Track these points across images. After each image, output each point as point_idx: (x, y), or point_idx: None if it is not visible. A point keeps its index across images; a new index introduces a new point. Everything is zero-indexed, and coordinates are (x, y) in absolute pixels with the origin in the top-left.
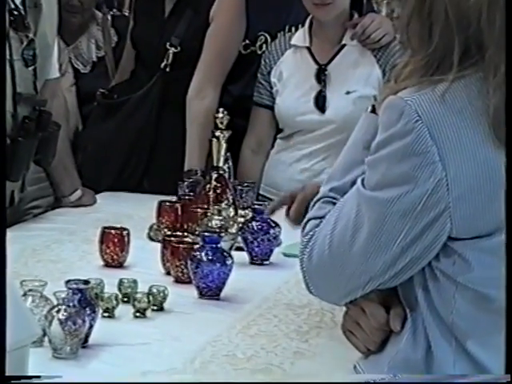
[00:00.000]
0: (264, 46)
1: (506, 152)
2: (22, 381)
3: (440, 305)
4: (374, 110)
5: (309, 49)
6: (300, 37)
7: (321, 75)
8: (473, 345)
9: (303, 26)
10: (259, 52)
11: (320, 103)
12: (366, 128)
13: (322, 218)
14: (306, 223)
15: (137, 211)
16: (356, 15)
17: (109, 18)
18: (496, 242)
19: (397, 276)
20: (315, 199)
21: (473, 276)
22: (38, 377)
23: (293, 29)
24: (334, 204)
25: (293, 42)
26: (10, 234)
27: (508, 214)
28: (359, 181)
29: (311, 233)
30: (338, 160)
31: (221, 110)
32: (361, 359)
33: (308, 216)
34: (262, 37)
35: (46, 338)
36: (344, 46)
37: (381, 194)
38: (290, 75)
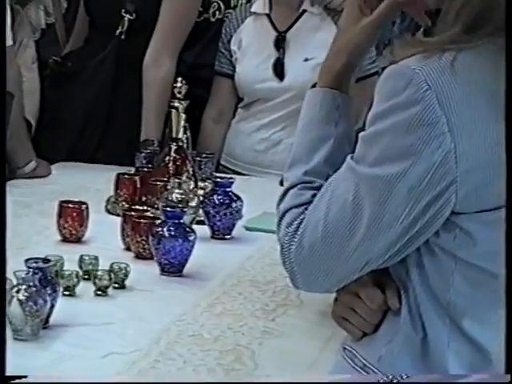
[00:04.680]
0: (217, 13)
1: (505, 151)
2: (23, 380)
3: (436, 283)
4: (314, 86)
5: (268, 16)
6: (260, 4)
7: (280, 42)
8: (469, 323)
9: None
10: (212, 19)
11: (278, 70)
12: (319, 103)
13: (304, 204)
14: (283, 214)
15: (93, 183)
16: None
17: None
18: (500, 215)
19: (395, 256)
20: (287, 187)
21: (475, 251)
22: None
23: None
24: (313, 188)
25: (253, 9)
26: None
27: (508, 212)
28: (349, 159)
29: (296, 221)
30: (297, 142)
31: (179, 79)
32: (351, 341)
33: (284, 206)
34: (215, 4)
35: (6, 319)
36: (304, 12)
37: (383, 171)
38: (249, 43)
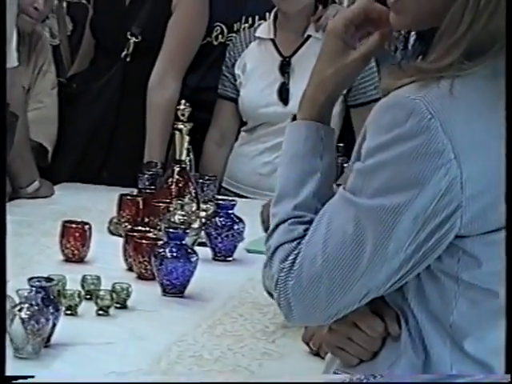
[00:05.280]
0: (220, 36)
1: (505, 153)
2: (23, 381)
3: (438, 307)
4: (294, 118)
5: (273, 41)
6: (265, 29)
7: (284, 67)
8: (472, 343)
9: (260, 16)
10: (215, 43)
11: (283, 95)
12: (303, 137)
13: (297, 239)
14: (275, 250)
15: (95, 204)
16: (320, 7)
17: (64, 5)
18: (505, 235)
19: (396, 283)
20: (276, 222)
21: (479, 272)
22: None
23: (249, 20)
24: (304, 223)
25: (257, 34)
26: None
27: (508, 217)
28: (342, 190)
29: (291, 257)
30: (283, 176)
31: (182, 101)
32: (344, 367)
33: (276, 242)
34: (218, 27)
35: (7, 337)
36: (309, 37)
37: (387, 201)
38: (254, 67)
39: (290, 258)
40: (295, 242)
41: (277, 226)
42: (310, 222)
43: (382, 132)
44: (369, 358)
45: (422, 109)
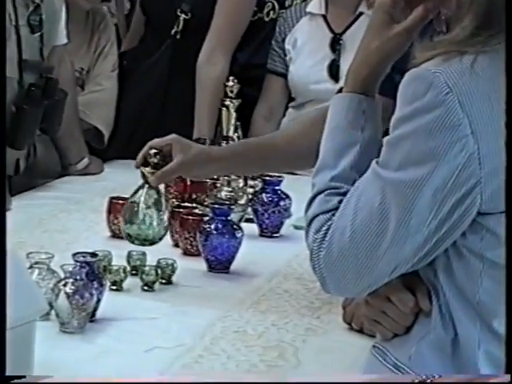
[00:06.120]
0: (271, 12)
1: (506, 152)
2: (23, 380)
3: (465, 284)
4: (340, 91)
5: (324, 17)
6: (316, 4)
7: (335, 44)
8: (499, 322)
9: None
10: (266, 19)
11: (334, 72)
12: (345, 109)
13: (331, 210)
14: (311, 221)
15: None
16: None
17: None
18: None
19: (423, 259)
20: (314, 193)
21: (502, 251)
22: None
23: None
24: (340, 194)
25: (308, 9)
26: (16, 203)
27: (508, 214)
28: (374, 164)
29: (324, 227)
30: (324, 148)
31: (231, 78)
32: (381, 340)
33: (312, 212)
34: (270, 3)
35: (53, 312)
36: (361, 14)
37: (407, 175)
38: (304, 43)
39: (324, 228)
40: (329, 214)
41: (315, 196)
42: (346, 194)
43: (406, 104)
44: (402, 333)
45: (441, 82)
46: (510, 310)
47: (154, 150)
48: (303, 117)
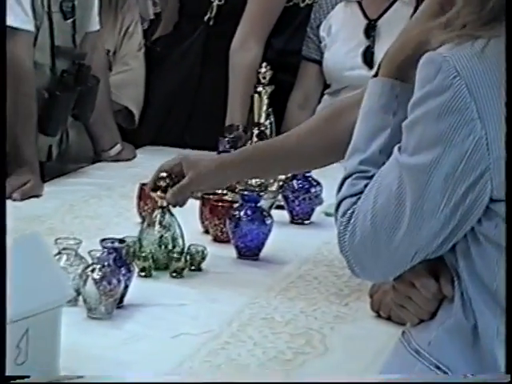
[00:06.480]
0: None
1: (505, 147)
2: (22, 380)
3: (483, 271)
4: (376, 75)
5: (359, 3)
6: None
7: (370, 30)
8: None
9: None
10: (301, 5)
11: (368, 59)
12: (379, 93)
13: (357, 194)
14: (339, 203)
15: None
16: None
17: None
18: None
19: (443, 244)
20: (344, 176)
21: None
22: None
23: None
24: (367, 178)
25: None
26: (48, 188)
27: (508, 212)
28: (396, 148)
29: (350, 211)
30: (357, 131)
31: (264, 64)
32: (409, 325)
33: (340, 195)
34: None
35: (81, 298)
36: (395, 0)
37: (419, 159)
38: (339, 29)
39: (349, 212)
40: (355, 197)
41: (344, 179)
42: (372, 178)
43: (419, 88)
44: (427, 318)
45: (450, 66)
46: (510, 310)
47: (163, 174)
48: (315, 115)
